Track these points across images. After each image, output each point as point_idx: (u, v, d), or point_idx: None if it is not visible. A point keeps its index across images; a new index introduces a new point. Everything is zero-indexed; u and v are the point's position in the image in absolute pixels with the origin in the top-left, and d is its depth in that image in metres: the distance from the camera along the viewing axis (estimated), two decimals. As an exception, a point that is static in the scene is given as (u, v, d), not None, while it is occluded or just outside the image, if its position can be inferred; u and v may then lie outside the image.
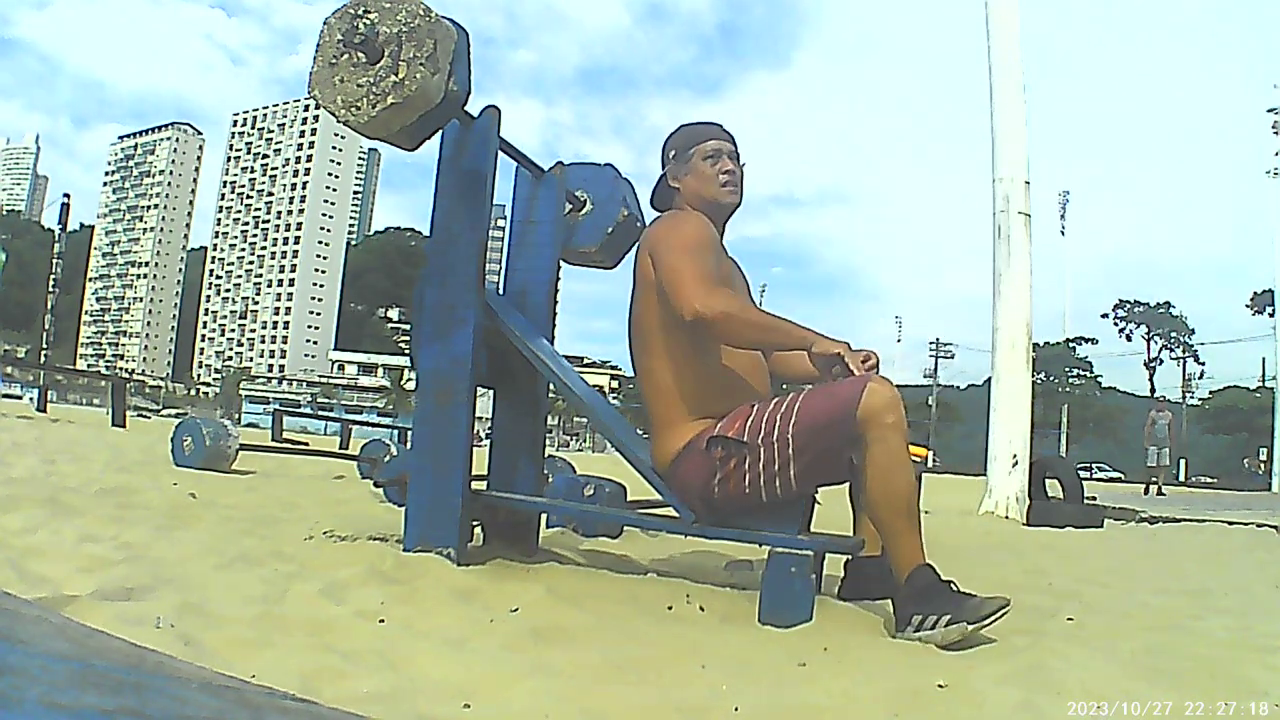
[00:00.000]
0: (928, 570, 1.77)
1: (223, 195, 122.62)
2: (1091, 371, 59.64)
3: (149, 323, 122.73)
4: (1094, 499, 7.76)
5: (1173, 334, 58.50)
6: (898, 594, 1.79)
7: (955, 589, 1.75)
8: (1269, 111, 29.31)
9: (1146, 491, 14.96)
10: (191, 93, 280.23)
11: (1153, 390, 58.72)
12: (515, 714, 1.15)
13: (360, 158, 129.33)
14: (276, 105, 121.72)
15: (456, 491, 2.16)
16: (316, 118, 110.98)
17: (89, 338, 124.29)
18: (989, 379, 7.28)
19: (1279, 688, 1.45)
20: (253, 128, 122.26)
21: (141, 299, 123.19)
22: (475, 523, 2.41)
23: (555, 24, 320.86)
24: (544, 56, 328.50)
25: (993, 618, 1.66)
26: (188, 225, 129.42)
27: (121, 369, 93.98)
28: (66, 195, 31.58)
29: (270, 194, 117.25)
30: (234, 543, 2.29)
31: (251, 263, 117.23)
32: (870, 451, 1.79)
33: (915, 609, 1.72)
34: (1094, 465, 41.85)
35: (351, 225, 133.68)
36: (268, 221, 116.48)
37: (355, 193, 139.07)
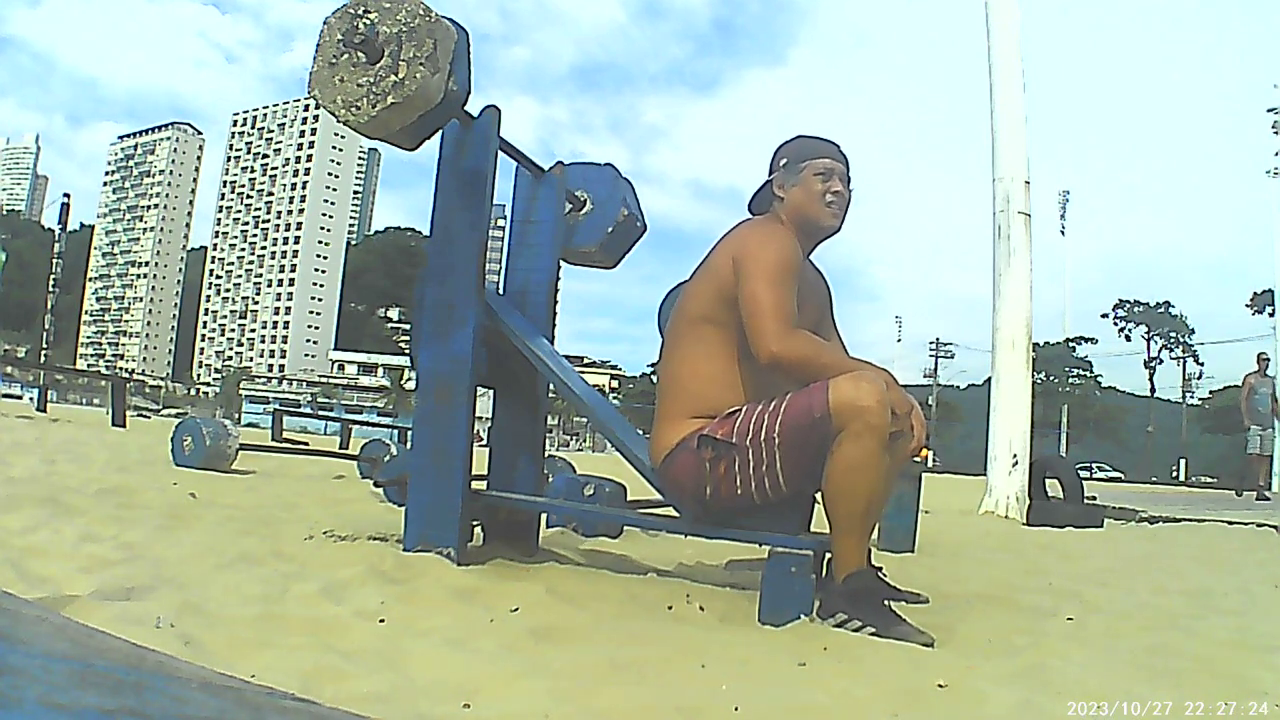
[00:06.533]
0: (868, 575, 1.81)
1: (223, 195, 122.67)
2: (1091, 371, 59.81)
3: (149, 323, 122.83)
4: (1094, 498, 7.76)
5: (1173, 334, 58.61)
6: (829, 587, 1.83)
7: (888, 601, 1.79)
8: (1269, 111, 29.25)
9: (1261, 497, 10.71)
10: (186, 90, 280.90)
11: (1153, 390, 58.75)
12: (515, 714, 1.15)
13: (360, 158, 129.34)
14: (276, 105, 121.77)
15: (456, 491, 2.16)
16: (316, 117, 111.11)
17: (89, 338, 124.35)
18: (989, 379, 7.28)
19: (1279, 688, 1.45)
20: (252, 127, 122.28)
21: (141, 299, 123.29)
22: (475, 523, 2.41)
23: (550, 21, 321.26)
24: (539, 54, 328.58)
25: (908, 641, 1.70)
26: (188, 225, 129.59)
27: (121, 369, 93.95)
28: (66, 195, 31.61)
29: (270, 194, 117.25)
30: (234, 543, 2.29)
31: (251, 263, 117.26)
32: (841, 447, 1.77)
33: (842, 609, 1.78)
34: (1094, 465, 41.88)
35: (351, 225, 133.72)
36: (268, 221, 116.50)
37: (355, 193, 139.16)
